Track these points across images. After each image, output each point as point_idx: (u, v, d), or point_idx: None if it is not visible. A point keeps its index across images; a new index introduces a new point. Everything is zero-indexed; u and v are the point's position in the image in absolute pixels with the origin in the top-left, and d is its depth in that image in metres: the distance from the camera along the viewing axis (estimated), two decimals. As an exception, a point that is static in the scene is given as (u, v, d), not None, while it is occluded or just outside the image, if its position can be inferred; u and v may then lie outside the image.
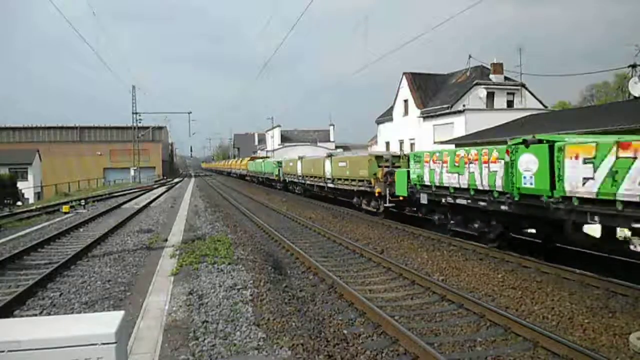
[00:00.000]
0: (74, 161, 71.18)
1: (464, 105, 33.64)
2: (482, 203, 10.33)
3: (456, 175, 11.16)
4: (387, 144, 42.94)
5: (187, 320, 6.22)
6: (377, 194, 16.19)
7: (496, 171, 9.85)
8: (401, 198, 14.48)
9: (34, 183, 51.36)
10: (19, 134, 76.56)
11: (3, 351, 2.67)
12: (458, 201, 11.20)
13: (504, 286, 8.20)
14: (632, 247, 7.07)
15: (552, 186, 8.37)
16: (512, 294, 7.77)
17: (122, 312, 3.12)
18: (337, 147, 67.39)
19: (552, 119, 27.30)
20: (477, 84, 35.74)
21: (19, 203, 33.83)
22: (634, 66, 25.64)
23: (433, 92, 39.60)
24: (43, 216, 20.33)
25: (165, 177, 77.23)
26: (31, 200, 42.41)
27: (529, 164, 9.03)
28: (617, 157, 7.15)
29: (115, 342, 2.79)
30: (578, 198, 7.87)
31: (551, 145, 8.53)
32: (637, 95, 22.35)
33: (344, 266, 10.18)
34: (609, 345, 5.69)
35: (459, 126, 31.22)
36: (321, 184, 22.95)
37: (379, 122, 45.45)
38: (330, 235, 13.53)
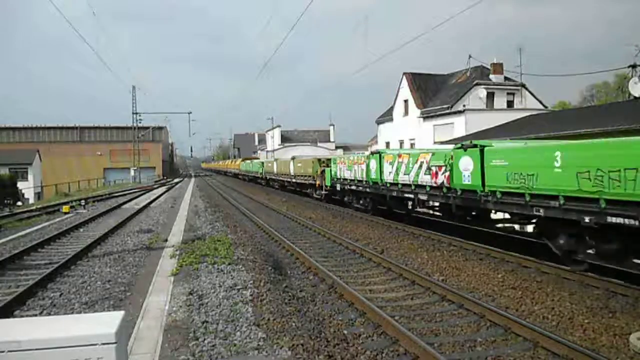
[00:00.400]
0: (74, 161, 71.22)
1: (464, 106, 33.63)
2: (360, 188, 17.51)
3: (350, 172, 18.41)
4: (387, 144, 42.92)
5: (187, 321, 6.23)
6: (317, 186, 23.18)
7: (363, 169, 16.92)
8: (330, 188, 21.12)
9: (34, 183, 51.38)
10: (19, 134, 76.60)
11: (3, 351, 2.67)
12: (351, 188, 18.43)
13: (504, 286, 8.20)
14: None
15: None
16: (512, 294, 7.77)
17: (122, 312, 3.13)
18: (337, 147, 67.43)
19: (552, 119, 27.31)
20: (477, 84, 35.72)
21: (19, 203, 33.84)
22: (634, 66, 25.62)
23: (433, 92, 39.59)
24: (43, 216, 20.34)
25: (165, 177, 77.24)
26: (31, 201, 42.42)
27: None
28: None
29: (115, 342, 2.80)
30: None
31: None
32: (637, 95, 22.33)
33: (344, 266, 10.18)
34: (609, 345, 5.69)
35: (459, 126, 31.21)
36: (288, 179, 30.04)
37: (379, 122, 45.43)
38: (330, 235, 13.53)
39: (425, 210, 15.90)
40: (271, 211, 20.97)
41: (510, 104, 36.23)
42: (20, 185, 43.98)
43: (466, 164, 10.72)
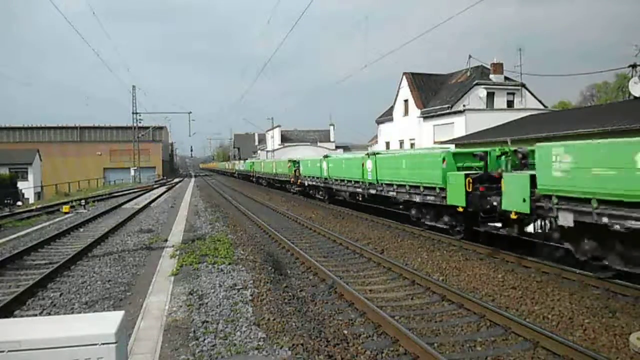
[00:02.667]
0: (74, 161, 71.26)
1: (464, 106, 33.64)
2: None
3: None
4: (387, 144, 42.94)
5: (187, 321, 6.23)
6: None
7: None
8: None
9: (34, 183, 51.36)
10: (19, 134, 76.64)
11: (3, 351, 2.67)
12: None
13: (504, 286, 8.20)
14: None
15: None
16: (512, 294, 7.77)
17: (122, 312, 3.13)
18: (337, 147, 67.41)
19: (552, 119, 27.31)
20: (477, 84, 35.73)
21: (19, 203, 33.83)
22: (634, 66, 25.60)
23: (433, 92, 39.60)
24: (43, 216, 20.34)
25: (165, 177, 77.25)
26: (31, 200, 42.40)
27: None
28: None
29: (116, 342, 2.80)
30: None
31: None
32: (637, 95, 22.33)
33: (344, 266, 10.18)
34: (609, 345, 5.69)
35: (459, 126, 31.22)
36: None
37: (379, 122, 45.45)
38: (330, 235, 13.53)
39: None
40: (271, 211, 20.98)
41: (510, 104, 36.24)
42: (20, 185, 44.00)
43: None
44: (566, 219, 7.92)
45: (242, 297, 7.27)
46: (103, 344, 2.77)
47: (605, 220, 7.18)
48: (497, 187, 9.77)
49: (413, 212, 13.82)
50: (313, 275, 9.38)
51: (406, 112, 39.80)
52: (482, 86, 35.50)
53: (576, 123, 21.20)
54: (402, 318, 6.75)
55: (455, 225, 11.81)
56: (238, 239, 13.02)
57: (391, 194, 14.66)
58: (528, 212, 8.69)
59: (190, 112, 66.94)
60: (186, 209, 21.91)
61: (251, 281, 8.21)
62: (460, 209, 10.63)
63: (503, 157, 10.65)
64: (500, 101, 35.99)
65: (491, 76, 36.52)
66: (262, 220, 16.80)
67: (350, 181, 18.34)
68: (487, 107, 34.99)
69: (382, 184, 15.17)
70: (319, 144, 67.37)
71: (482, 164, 10.82)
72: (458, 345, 5.84)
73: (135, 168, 64.63)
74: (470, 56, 38.63)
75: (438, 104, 36.93)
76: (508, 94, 36.64)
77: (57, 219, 18.97)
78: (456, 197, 10.63)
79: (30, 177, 52.31)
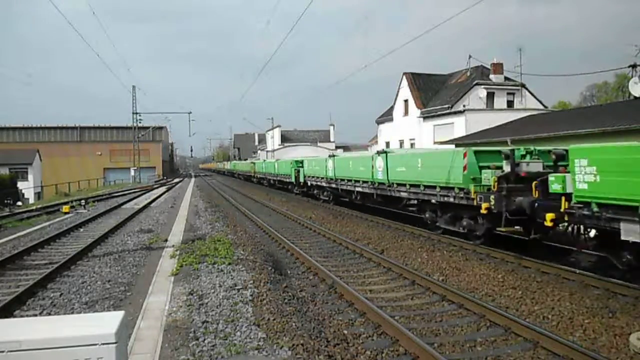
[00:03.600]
0: (74, 161, 71.26)
1: (464, 106, 33.64)
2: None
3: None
4: (387, 144, 42.94)
5: (187, 321, 6.23)
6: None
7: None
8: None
9: (34, 183, 51.38)
10: (19, 134, 76.63)
11: (3, 351, 2.67)
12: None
13: (504, 286, 8.20)
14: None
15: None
16: (512, 294, 7.77)
17: (122, 312, 3.13)
18: (337, 147, 67.43)
19: (552, 119, 27.31)
20: (477, 84, 35.73)
21: (19, 203, 33.82)
22: (634, 66, 25.60)
23: (433, 92, 39.60)
24: (43, 216, 20.34)
25: (165, 177, 77.27)
26: (31, 200, 42.41)
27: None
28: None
29: (116, 342, 2.80)
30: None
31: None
32: (637, 95, 22.33)
33: (344, 266, 10.19)
34: (609, 345, 5.69)
35: (459, 126, 31.22)
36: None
37: (379, 122, 45.45)
38: (330, 235, 13.53)
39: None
40: (271, 211, 20.99)
41: (510, 104, 36.24)
42: (20, 185, 43.98)
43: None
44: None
45: (242, 297, 7.27)
46: (103, 344, 2.77)
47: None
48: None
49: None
50: (313, 275, 9.38)
51: (406, 112, 39.80)
52: (482, 86, 35.50)
53: (576, 123, 21.19)
54: (402, 318, 6.76)
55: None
56: (238, 239, 13.02)
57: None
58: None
59: (190, 112, 67.07)
60: (186, 209, 21.92)
61: (251, 281, 8.21)
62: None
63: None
64: (500, 101, 35.99)
65: (491, 76, 36.53)
66: (262, 220, 16.80)
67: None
68: (487, 107, 34.99)
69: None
70: (319, 144, 67.39)
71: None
72: (458, 345, 5.84)
73: (135, 168, 64.63)
74: (470, 56, 38.70)
75: (438, 104, 36.93)
76: (508, 94, 36.64)
77: (57, 219, 18.97)
78: None
79: (30, 177, 52.32)
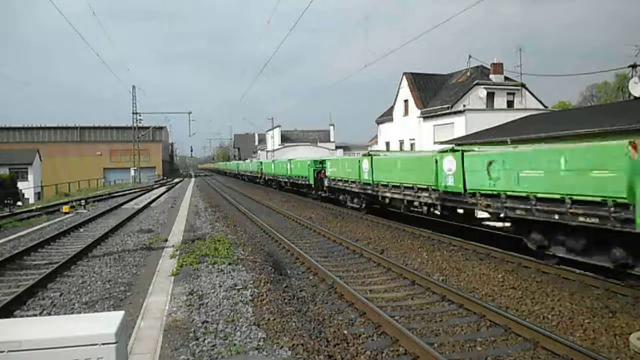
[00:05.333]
0: (74, 161, 71.29)
1: (464, 106, 33.63)
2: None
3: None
4: (387, 144, 42.94)
5: (187, 321, 6.23)
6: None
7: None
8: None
9: (34, 183, 51.35)
10: (19, 134, 76.63)
11: (3, 351, 2.67)
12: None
13: (504, 286, 8.20)
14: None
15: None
16: (512, 294, 7.77)
17: (122, 312, 3.13)
18: (337, 147, 67.42)
19: (552, 119, 27.30)
20: (477, 84, 35.72)
21: (19, 203, 33.81)
22: (634, 66, 25.62)
23: (433, 92, 39.59)
24: (43, 216, 20.34)
25: (165, 177, 77.25)
26: (31, 201, 42.39)
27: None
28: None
29: (116, 342, 2.80)
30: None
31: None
32: (637, 95, 22.32)
33: (344, 266, 10.18)
34: (609, 345, 5.69)
35: (459, 126, 31.21)
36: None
37: (379, 122, 45.44)
38: (330, 235, 13.53)
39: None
40: (271, 211, 20.98)
41: (510, 104, 36.23)
42: (20, 185, 44.00)
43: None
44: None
45: (242, 297, 7.27)
46: (103, 344, 2.76)
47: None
48: None
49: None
50: (313, 275, 9.38)
51: (406, 112, 39.80)
52: (482, 86, 35.49)
53: (576, 123, 21.19)
54: (402, 318, 6.75)
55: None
56: (238, 239, 13.02)
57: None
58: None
59: (190, 112, 67.10)
60: (186, 209, 21.91)
61: (251, 281, 8.21)
62: None
63: None
64: (500, 101, 35.99)
65: (491, 76, 36.52)
66: (261, 220, 16.80)
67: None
68: (487, 107, 34.98)
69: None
70: (319, 144, 67.38)
71: None
72: (458, 345, 5.83)
73: (135, 168, 64.64)
74: (470, 56, 38.74)
75: (438, 104, 36.93)
76: (508, 94, 36.63)
77: (57, 219, 18.97)
78: None
79: (30, 177, 52.30)
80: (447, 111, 34.14)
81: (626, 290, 7.47)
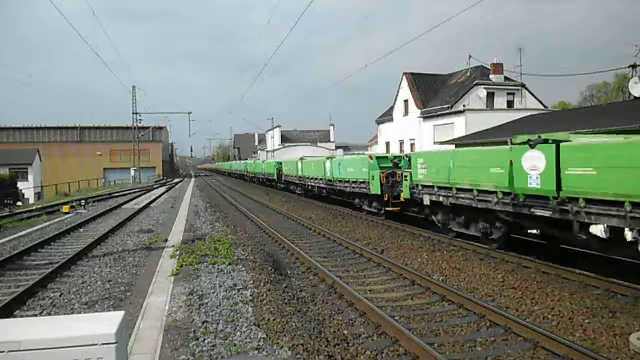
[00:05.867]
0: (74, 161, 71.27)
1: (464, 106, 33.65)
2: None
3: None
4: (387, 144, 42.96)
5: (187, 321, 6.23)
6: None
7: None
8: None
9: (34, 183, 51.38)
10: (19, 134, 76.64)
11: (3, 351, 2.67)
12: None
13: (504, 286, 8.20)
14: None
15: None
16: (512, 294, 7.77)
17: (122, 312, 3.13)
18: (337, 147, 67.43)
19: (552, 119, 27.29)
20: (477, 84, 35.74)
21: (19, 203, 33.82)
22: (634, 66, 25.62)
23: (433, 92, 39.61)
24: (43, 216, 20.34)
25: (165, 178, 77.24)
26: (31, 201, 42.42)
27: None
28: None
29: (116, 342, 2.80)
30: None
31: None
32: (637, 95, 22.33)
33: (344, 266, 10.18)
34: (609, 345, 5.69)
35: (459, 126, 31.24)
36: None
37: (379, 122, 45.46)
38: (330, 235, 13.53)
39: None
40: (271, 211, 20.98)
41: (510, 104, 36.25)
42: (20, 185, 44.00)
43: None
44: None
45: (242, 297, 7.27)
46: (103, 344, 2.76)
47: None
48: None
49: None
50: (313, 275, 9.38)
51: (406, 112, 39.81)
52: (482, 86, 35.51)
53: (576, 123, 21.18)
54: (402, 318, 6.75)
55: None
56: (238, 239, 13.02)
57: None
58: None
59: (190, 112, 67.20)
60: (186, 209, 21.90)
61: (251, 281, 8.21)
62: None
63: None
64: (500, 101, 36.01)
65: (491, 76, 36.54)
66: (261, 221, 16.80)
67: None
68: (487, 107, 35.01)
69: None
70: (319, 144, 67.38)
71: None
72: (458, 345, 5.83)
73: (135, 168, 64.62)
74: (470, 56, 38.74)
75: (438, 104, 36.94)
76: (508, 94, 36.65)
77: (57, 219, 18.96)
78: None
79: (30, 177, 52.32)
80: (447, 111, 34.16)
81: (626, 290, 7.47)
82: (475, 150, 12.31)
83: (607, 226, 7.49)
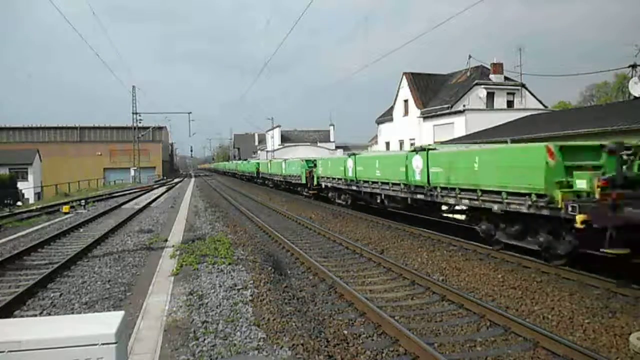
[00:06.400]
0: (74, 161, 71.21)
1: (464, 106, 33.63)
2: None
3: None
4: (387, 144, 42.93)
5: (187, 321, 6.23)
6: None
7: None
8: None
9: (34, 183, 51.35)
10: (19, 134, 76.64)
11: (3, 351, 2.67)
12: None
13: (504, 286, 8.20)
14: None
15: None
16: (512, 294, 7.77)
17: (122, 312, 3.12)
18: (337, 147, 67.38)
19: (552, 119, 27.30)
20: (477, 84, 35.73)
21: (19, 203, 33.81)
22: (634, 66, 25.62)
23: (433, 92, 39.59)
24: (43, 216, 20.34)
25: (165, 178, 77.23)
26: (31, 201, 42.38)
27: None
28: None
29: (116, 342, 2.79)
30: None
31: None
32: (637, 95, 22.33)
33: (344, 266, 10.18)
34: (609, 345, 5.69)
35: (459, 126, 31.22)
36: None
37: (379, 122, 45.43)
38: (330, 235, 13.53)
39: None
40: (271, 211, 20.98)
41: (510, 104, 36.24)
42: (20, 185, 43.98)
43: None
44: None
45: (242, 297, 7.27)
46: (103, 344, 2.76)
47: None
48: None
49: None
50: (313, 275, 9.38)
51: (406, 112, 39.79)
52: (482, 86, 35.50)
53: (576, 123, 21.19)
54: (402, 318, 6.75)
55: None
56: (238, 239, 13.02)
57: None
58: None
59: (190, 112, 67.14)
60: (186, 209, 21.91)
61: (251, 281, 8.21)
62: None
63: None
64: (500, 101, 36.00)
65: (491, 76, 36.52)
66: (261, 221, 16.81)
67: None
68: (487, 107, 35.00)
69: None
70: (319, 144, 67.35)
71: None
72: (458, 345, 5.83)
73: (135, 168, 64.63)
74: (470, 56, 38.68)
75: (438, 104, 36.93)
76: (508, 94, 36.64)
77: (57, 219, 18.96)
78: None
79: (30, 177, 52.30)
80: (447, 111, 34.14)
81: (626, 290, 7.47)
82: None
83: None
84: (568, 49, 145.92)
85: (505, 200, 9.32)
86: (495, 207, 9.61)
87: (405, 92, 40.01)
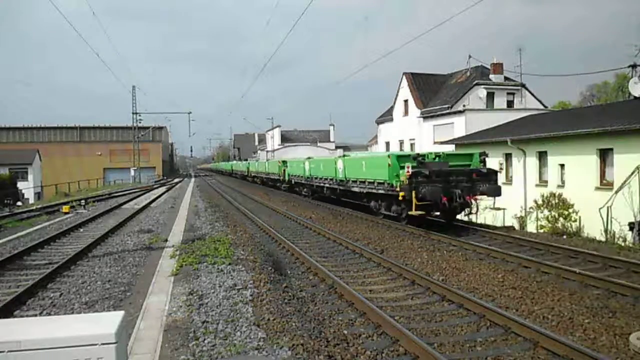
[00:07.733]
0: (74, 161, 71.23)
1: (464, 106, 33.63)
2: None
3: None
4: (387, 144, 42.94)
5: (187, 321, 6.23)
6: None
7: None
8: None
9: (34, 183, 51.37)
10: (19, 134, 76.66)
11: (3, 351, 2.67)
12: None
13: (504, 286, 8.20)
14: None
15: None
16: (512, 294, 7.77)
17: (122, 312, 3.13)
18: (337, 147, 67.36)
19: (552, 119, 27.29)
20: (477, 84, 35.72)
21: (19, 203, 33.83)
22: (634, 66, 25.63)
23: (433, 92, 39.59)
24: (43, 216, 20.34)
25: (165, 178, 77.24)
26: (31, 201, 42.40)
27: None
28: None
29: (116, 342, 2.80)
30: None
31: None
32: (637, 95, 22.33)
33: (344, 266, 10.18)
34: (609, 345, 5.69)
35: (459, 126, 31.22)
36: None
37: (379, 122, 45.44)
38: (330, 235, 13.53)
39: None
40: (271, 211, 20.97)
41: (510, 104, 36.23)
42: (20, 185, 44.00)
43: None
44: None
45: (242, 297, 7.27)
46: (103, 344, 2.76)
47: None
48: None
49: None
50: (313, 275, 9.38)
51: (406, 112, 39.80)
52: (482, 86, 35.49)
53: (576, 123, 21.19)
54: (402, 318, 6.75)
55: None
56: (238, 239, 13.02)
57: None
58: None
59: (190, 112, 67.09)
60: (186, 209, 21.91)
61: (251, 281, 8.21)
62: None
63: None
64: (500, 101, 35.99)
65: (491, 76, 36.52)
66: (261, 221, 16.80)
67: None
68: (487, 107, 34.99)
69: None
70: (318, 144, 67.31)
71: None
72: (458, 345, 5.83)
73: (135, 168, 64.60)
74: (470, 56, 38.69)
75: (438, 104, 36.93)
76: (508, 94, 36.63)
77: (57, 219, 18.97)
78: None
79: (30, 177, 52.32)
80: (447, 111, 34.14)
81: (626, 290, 7.48)
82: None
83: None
84: (568, 49, 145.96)
85: (375, 186, 15.65)
86: (373, 190, 16.06)
87: (405, 92, 40.01)
